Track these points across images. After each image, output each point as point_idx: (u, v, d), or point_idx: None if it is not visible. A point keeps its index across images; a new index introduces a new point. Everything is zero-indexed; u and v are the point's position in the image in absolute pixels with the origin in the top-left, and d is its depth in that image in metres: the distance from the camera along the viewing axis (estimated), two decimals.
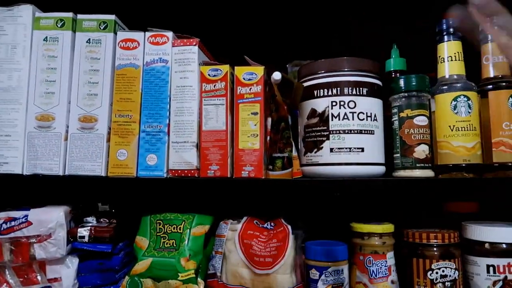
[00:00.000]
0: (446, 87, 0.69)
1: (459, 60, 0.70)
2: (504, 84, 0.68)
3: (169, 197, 0.77)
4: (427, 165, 0.68)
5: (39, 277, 0.67)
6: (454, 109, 0.68)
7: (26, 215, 0.66)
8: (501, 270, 0.64)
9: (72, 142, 0.68)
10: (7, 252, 0.66)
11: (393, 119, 0.71)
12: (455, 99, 0.68)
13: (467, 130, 0.67)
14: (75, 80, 0.69)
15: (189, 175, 0.67)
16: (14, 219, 0.66)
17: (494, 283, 0.64)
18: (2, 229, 0.66)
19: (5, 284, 0.67)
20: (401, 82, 0.70)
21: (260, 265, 0.65)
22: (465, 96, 0.67)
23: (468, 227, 0.69)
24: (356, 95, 0.68)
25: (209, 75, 0.69)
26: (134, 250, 0.70)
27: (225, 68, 0.68)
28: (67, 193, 0.74)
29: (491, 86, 0.69)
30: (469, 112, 0.67)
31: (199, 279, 0.67)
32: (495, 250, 0.65)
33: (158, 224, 0.71)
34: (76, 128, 0.68)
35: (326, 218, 0.82)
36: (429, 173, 0.68)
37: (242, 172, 0.66)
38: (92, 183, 0.66)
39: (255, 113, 0.68)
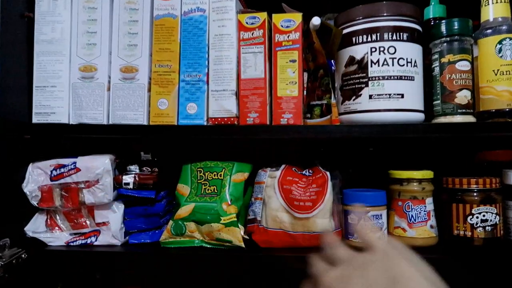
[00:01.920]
0: (490, 30, 0.67)
1: (504, 1, 0.67)
2: None
3: (209, 146, 0.79)
4: (469, 111, 0.67)
5: (88, 221, 0.71)
6: (499, 53, 0.66)
7: (75, 162, 0.69)
8: None
9: (114, 92, 0.70)
10: (58, 197, 0.69)
11: (433, 66, 0.70)
12: (500, 42, 0.66)
13: None
14: (115, 31, 0.70)
15: (229, 122, 0.68)
16: (64, 166, 0.69)
17: None
18: (52, 175, 0.69)
19: (56, 227, 0.71)
20: (443, 27, 0.68)
21: (300, 209, 0.67)
22: (511, 39, 0.65)
23: (509, 173, 0.68)
24: (396, 40, 0.67)
25: (246, 23, 0.68)
26: (176, 197, 0.72)
27: (263, 15, 0.68)
28: (111, 142, 0.77)
29: None
30: None
31: (240, 226, 0.69)
32: None
33: (198, 171, 0.72)
34: (118, 78, 0.70)
35: (364, 168, 0.82)
36: (470, 118, 0.67)
37: (281, 119, 0.67)
38: (135, 132, 0.68)
39: (293, 61, 0.67)
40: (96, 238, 0.70)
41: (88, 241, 0.70)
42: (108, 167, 0.69)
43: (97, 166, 0.68)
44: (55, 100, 0.70)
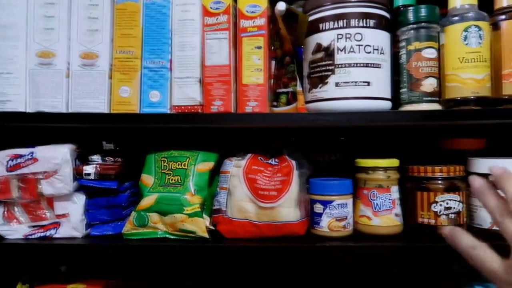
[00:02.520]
0: (457, 17, 0.66)
1: None
2: None
3: (174, 135, 0.77)
4: (434, 98, 0.67)
5: (47, 213, 0.68)
6: (465, 40, 0.65)
7: (32, 152, 0.66)
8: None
9: (74, 79, 0.67)
10: (15, 188, 0.67)
11: (400, 53, 0.69)
12: (466, 29, 0.65)
13: (477, 61, 0.65)
14: (75, 15, 0.68)
15: (193, 111, 0.66)
16: (21, 156, 0.67)
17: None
18: (9, 166, 0.66)
19: (14, 220, 0.68)
20: (410, 13, 0.67)
21: (265, 199, 0.66)
22: (476, 26, 0.65)
23: (473, 161, 0.68)
24: (363, 27, 0.66)
25: (211, 8, 0.67)
26: (140, 188, 0.70)
27: (228, 0, 0.66)
28: (71, 132, 0.74)
29: (504, 16, 0.66)
30: (480, 43, 0.65)
31: (204, 215, 0.68)
32: None
33: (163, 161, 0.71)
34: (78, 65, 0.67)
35: (335, 157, 0.82)
36: (436, 106, 0.66)
37: (246, 107, 0.66)
38: (96, 120, 0.66)
39: (259, 47, 0.66)
40: (56, 230, 0.68)
41: (48, 233, 0.68)
42: (67, 157, 0.66)
43: (55, 156, 0.66)
44: (11, 88, 0.67)
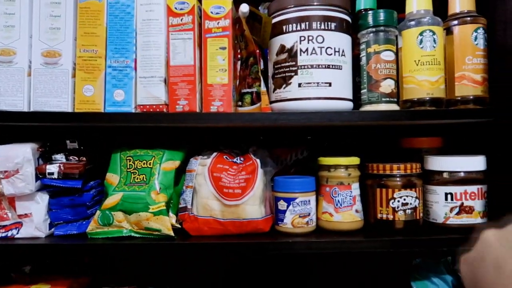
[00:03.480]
0: (413, 22, 0.69)
1: None
2: (469, 18, 0.69)
3: (139, 134, 0.78)
4: (392, 99, 0.70)
5: (9, 213, 0.67)
6: (420, 44, 0.69)
7: None
8: (458, 197, 0.68)
9: (36, 78, 0.66)
10: None
11: (361, 55, 0.72)
12: (421, 33, 0.68)
13: (432, 64, 0.68)
14: (36, 13, 0.67)
15: (158, 110, 0.67)
16: None
17: (451, 209, 0.68)
18: None
19: None
20: (370, 17, 0.70)
21: (229, 196, 0.67)
22: (430, 30, 0.68)
23: (429, 159, 0.71)
24: (324, 29, 0.68)
25: (175, 8, 0.67)
26: (105, 187, 0.70)
27: (192, 1, 0.67)
28: (33, 131, 0.73)
29: (456, 22, 0.70)
30: (434, 47, 0.68)
31: (170, 213, 0.69)
32: (453, 179, 0.69)
33: (128, 160, 0.71)
34: (40, 63, 0.66)
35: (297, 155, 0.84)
36: (394, 107, 0.69)
37: (211, 107, 0.67)
38: (59, 119, 0.65)
39: (223, 48, 0.67)
40: (18, 230, 0.67)
41: (9, 234, 0.67)
42: (28, 156, 0.65)
43: (16, 155, 0.65)
44: None
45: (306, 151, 0.86)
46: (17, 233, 0.67)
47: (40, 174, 0.67)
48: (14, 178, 0.65)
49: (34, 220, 0.67)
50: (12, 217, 0.67)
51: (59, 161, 0.69)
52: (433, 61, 0.68)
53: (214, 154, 0.71)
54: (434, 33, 0.68)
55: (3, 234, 0.67)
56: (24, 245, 0.65)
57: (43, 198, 0.68)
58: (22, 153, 0.65)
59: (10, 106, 0.66)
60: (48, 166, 0.67)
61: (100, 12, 0.67)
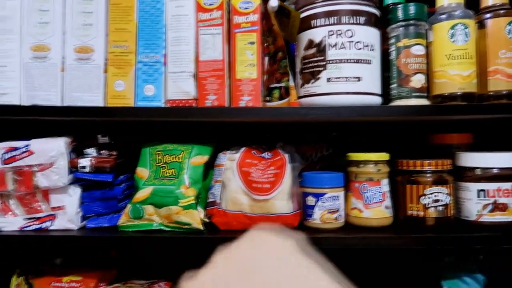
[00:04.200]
0: (444, 15, 0.68)
1: None
2: (502, 11, 0.68)
3: (168, 128, 0.78)
4: (423, 94, 0.68)
5: (43, 206, 0.69)
6: (452, 38, 0.67)
7: (27, 145, 0.67)
8: (491, 194, 0.66)
9: (69, 73, 0.68)
10: (11, 181, 0.67)
11: (390, 50, 0.71)
12: (452, 27, 0.67)
13: (464, 58, 0.67)
14: (69, 9, 0.68)
15: (187, 105, 0.67)
16: (16, 148, 0.67)
17: (484, 206, 0.67)
18: (4, 158, 0.67)
19: (10, 212, 0.69)
20: (399, 11, 0.69)
21: (258, 191, 0.67)
22: (462, 24, 0.67)
23: (461, 155, 0.70)
24: (353, 24, 0.67)
25: (204, 4, 0.68)
26: (135, 181, 0.71)
27: None
28: (66, 125, 0.75)
29: (489, 15, 0.68)
30: (466, 41, 0.67)
31: (199, 208, 0.69)
32: (486, 175, 0.67)
33: (157, 155, 0.72)
34: (73, 59, 0.68)
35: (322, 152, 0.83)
36: (424, 102, 0.68)
37: (240, 102, 0.67)
38: (91, 113, 0.66)
39: (252, 43, 0.67)
40: (52, 222, 0.69)
41: (43, 225, 0.69)
42: (62, 150, 0.67)
43: (51, 148, 0.67)
44: (6, 81, 0.68)
45: (331, 148, 0.86)
46: (51, 225, 0.69)
47: (72, 168, 0.69)
48: (48, 171, 0.66)
49: (67, 213, 0.68)
50: (45, 210, 0.69)
51: (91, 155, 0.70)
52: (465, 55, 0.67)
53: (243, 149, 0.71)
54: (466, 27, 0.67)
55: (38, 226, 0.68)
56: (58, 237, 0.67)
57: (76, 191, 0.69)
58: (57, 147, 0.67)
59: (45, 101, 0.67)
60: (80, 160, 0.69)
61: (131, 8, 0.68)
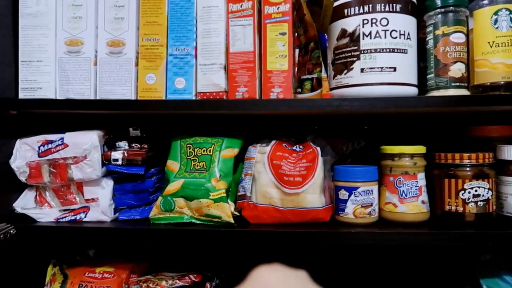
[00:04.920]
0: (486, 1, 0.65)
1: None
2: None
3: (199, 121, 0.78)
4: (462, 84, 0.65)
5: (77, 198, 0.70)
6: (495, 24, 0.64)
7: (62, 138, 0.68)
8: None
9: (101, 67, 0.69)
10: (46, 173, 0.69)
11: (427, 38, 0.68)
12: (496, 13, 0.64)
13: (508, 45, 0.63)
14: (101, 3, 0.69)
15: (218, 97, 0.67)
16: (51, 141, 0.68)
17: None
18: (40, 151, 0.68)
19: (46, 204, 0.71)
20: None
21: (289, 184, 0.66)
22: (507, 9, 0.63)
23: (503, 148, 0.67)
24: (388, 11, 0.65)
25: None
26: (166, 174, 0.71)
27: None
28: (99, 118, 0.76)
29: None
30: (511, 27, 0.63)
31: (229, 201, 0.69)
32: None
33: (188, 148, 0.72)
34: (105, 52, 0.69)
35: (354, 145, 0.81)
36: (464, 92, 0.65)
37: (271, 94, 0.66)
38: (123, 107, 0.67)
39: (283, 33, 0.66)
40: (86, 214, 0.70)
41: (78, 217, 0.70)
42: (95, 143, 0.68)
43: (84, 141, 0.68)
44: (41, 75, 0.69)
45: (363, 141, 0.84)
46: (85, 217, 0.70)
47: (105, 161, 0.70)
48: (82, 164, 0.68)
49: (100, 205, 0.69)
50: (80, 201, 0.70)
51: (123, 148, 0.71)
52: (510, 42, 0.63)
53: (273, 142, 0.70)
54: (510, 12, 0.63)
55: (72, 217, 0.70)
56: (92, 228, 0.68)
57: (108, 184, 0.70)
58: (90, 140, 0.68)
59: (78, 94, 0.68)
60: (113, 153, 0.70)
61: (162, 1, 0.68)
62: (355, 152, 0.83)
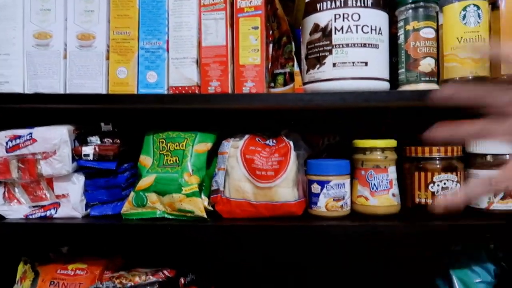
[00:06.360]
0: None
1: None
2: None
3: (172, 117, 0.77)
4: (432, 79, 0.66)
5: (47, 194, 0.69)
6: (463, 20, 0.65)
7: (31, 133, 0.67)
8: None
9: (71, 60, 0.67)
10: (15, 169, 0.67)
11: (398, 34, 0.69)
12: (464, 8, 0.65)
13: (476, 41, 0.64)
14: None
15: (190, 91, 0.66)
16: (19, 136, 0.67)
17: (495, 194, 0.65)
18: (8, 146, 0.67)
19: (15, 200, 0.69)
20: None
21: (262, 179, 0.66)
22: (475, 5, 0.64)
23: (471, 141, 0.68)
24: (360, 6, 0.65)
25: None
26: (138, 169, 0.71)
27: None
28: (69, 113, 0.74)
29: None
30: (479, 23, 0.64)
31: (203, 196, 0.68)
32: (498, 162, 0.65)
33: (161, 142, 0.71)
34: (75, 46, 0.67)
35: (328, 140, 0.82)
36: (434, 86, 0.66)
37: (243, 88, 0.66)
38: (93, 101, 0.66)
39: (255, 28, 0.66)
40: (56, 210, 0.69)
41: (48, 213, 0.69)
42: (65, 138, 0.67)
43: (54, 136, 0.66)
44: (9, 69, 0.67)
45: (338, 136, 0.84)
46: (55, 213, 0.69)
47: (76, 156, 0.68)
48: (52, 159, 0.66)
49: (71, 201, 0.68)
50: (50, 197, 0.69)
51: (94, 143, 0.70)
52: (477, 37, 0.64)
53: (246, 136, 0.70)
54: (478, 8, 0.64)
55: (43, 214, 0.69)
56: (62, 225, 0.67)
57: (79, 179, 0.69)
58: (59, 135, 0.67)
59: (47, 88, 0.67)
60: (84, 148, 0.68)
61: None
62: (330, 147, 0.84)
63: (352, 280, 0.85)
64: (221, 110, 0.78)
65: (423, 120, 0.81)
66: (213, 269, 0.83)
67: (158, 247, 0.84)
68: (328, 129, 0.85)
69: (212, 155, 0.73)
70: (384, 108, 0.79)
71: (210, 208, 0.69)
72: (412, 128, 0.81)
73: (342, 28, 0.65)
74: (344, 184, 0.67)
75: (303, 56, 0.71)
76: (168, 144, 0.70)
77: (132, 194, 0.68)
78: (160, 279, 0.69)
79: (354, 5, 0.65)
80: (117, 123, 0.73)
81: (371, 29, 0.66)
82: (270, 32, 0.72)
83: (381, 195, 0.67)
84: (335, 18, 0.66)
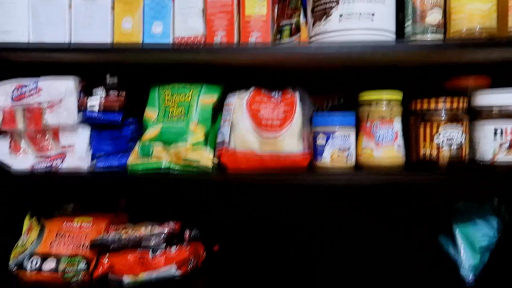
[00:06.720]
0: None
1: None
2: None
3: (177, 72, 0.77)
4: (439, 30, 0.66)
5: (53, 144, 0.69)
6: None
7: (37, 82, 0.67)
8: (509, 131, 0.64)
9: (76, 11, 0.67)
10: (21, 119, 0.67)
11: None
12: None
13: None
14: None
15: (196, 41, 0.66)
16: (25, 86, 0.67)
17: (501, 145, 0.65)
18: (14, 96, 0.67)
19: (21, 151, 0.69)
20: None
21: (267, 128, 0.66)
22: None
23: (477, 94, 0.68)
24: None
25: None
26: (144, 122, 0.71)
27: None
28: (75, 65, 0.74)
29: None
30: None
31: (208, 149, 0.68)
32: (504, 113, 0.65)
33: (166, 95, 0.71)
34: None
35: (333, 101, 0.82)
36: (441, 38, 0.66)
37: (249, 38, 0.65)
38: (98, 51, 0.66)
39: None
40: (62, 160, 0.69)
41: (54, 164, 0.69)
42: (71, 87, 0.67)
43: (60, 86, 0.67)
44: (13, 18, 0.67)
45: (343, 98, 0.84)
46: (62, 163, 0.69)
47: (82, 107, 0.68)
48: (57, 109, 0.66)
49: (77, 151, 0.68)
50: (56, 148, 0.69)
51: (100, 95, 0.70)
52: None
53: (252, 88, 0.70)
54: None
55: (49, 164, 0.69)
56: (68, 176, 0.67)
57: (85, 130, 0.69)
58: (65, 85, 0.67)
59: (52, 38, 0.67)
60: (89, 99, 0.69)
61: None
62: (334, 108, 0.84)
63: (355, 237, 0.85)
64: (226, 66, 0.77)
65: (429, 79, 0.81)
66: (218, 227, 0.84)
67: (163, 204, 0.84)
68: (333, 91, 0.84)
69: (218, 111, 0.73)
70: (391, 67, 0.78)
71: (216, 162, 0.69)
72: (418, 87, 0.81)
73: None
74: (349, 135, 0.67)
75: (309, 10, 0.71)
76: (174, 96, 0.70)
77: (138, 144, 0.68)
78: (166, 231, 0.69)
79: None
80: (123, 78, 0.73)
81: None
82: None
83: (386, 146, 0.67)
84: None
